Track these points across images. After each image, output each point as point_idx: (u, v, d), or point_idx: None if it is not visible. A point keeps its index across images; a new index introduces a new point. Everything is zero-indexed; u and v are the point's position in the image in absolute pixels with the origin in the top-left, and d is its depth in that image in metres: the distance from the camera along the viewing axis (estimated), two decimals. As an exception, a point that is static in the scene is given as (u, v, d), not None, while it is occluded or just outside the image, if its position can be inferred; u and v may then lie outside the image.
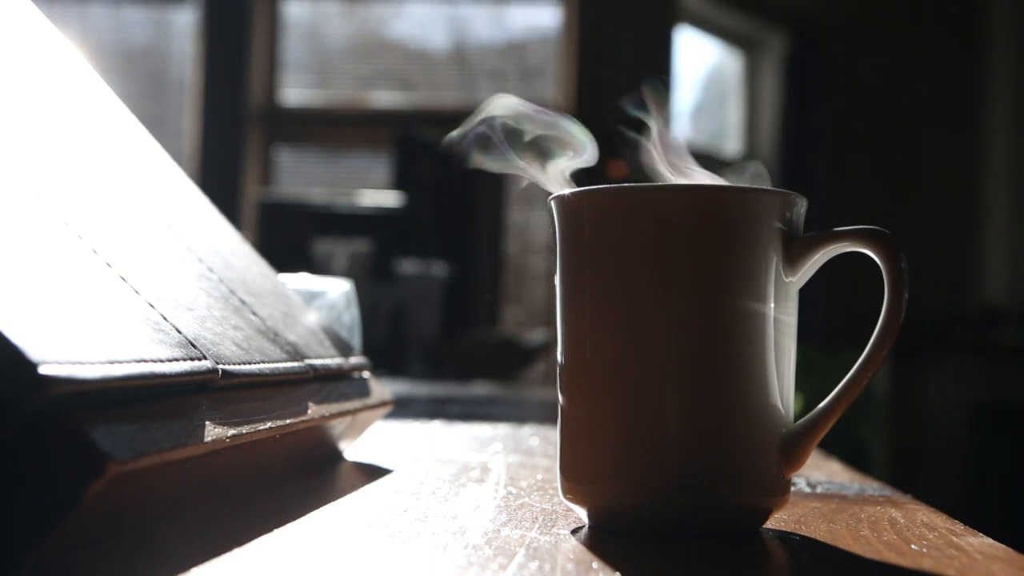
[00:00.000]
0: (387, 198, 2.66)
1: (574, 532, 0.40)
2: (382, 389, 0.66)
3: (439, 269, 2.13)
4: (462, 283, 2.48)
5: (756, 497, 0.40)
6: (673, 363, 0.40)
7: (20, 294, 0.32)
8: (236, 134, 3.67)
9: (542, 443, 0.73)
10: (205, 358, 0.40)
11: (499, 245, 2.97)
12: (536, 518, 0.43)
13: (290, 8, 3.80)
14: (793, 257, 0.41)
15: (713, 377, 0.40)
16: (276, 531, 0.38)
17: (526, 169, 0.45)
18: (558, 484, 0.43)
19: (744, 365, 0.40)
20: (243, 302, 0.52)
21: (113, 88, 0.60)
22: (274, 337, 0.52)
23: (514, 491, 0.50)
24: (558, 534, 0.39)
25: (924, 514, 0.46)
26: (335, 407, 0.54)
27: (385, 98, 3.75)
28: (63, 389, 0.29)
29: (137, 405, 0.34)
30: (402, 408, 0.95)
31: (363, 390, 0.61)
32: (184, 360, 0.38)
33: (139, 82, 3.75)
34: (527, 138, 0.45)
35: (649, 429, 0.40)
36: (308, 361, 0.53)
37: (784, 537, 0.41)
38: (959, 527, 0.43)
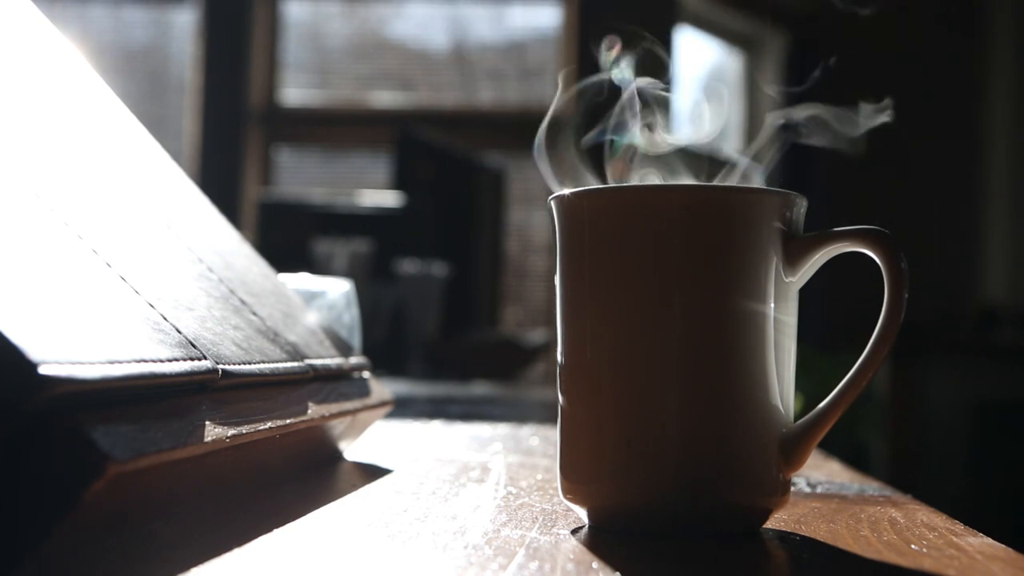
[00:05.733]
0: (387, 198, 2.66)
1: (574, 532, 0.40)
2: (382, 389, 0.66)
3: (439, 269, 2.13)
4: (462, 283, 2.48)
5: (756, 497, 0.40)
6: (673, 363, 0.40)
7: (20, 294, 0.32)
8: (236, 134, 3.67)
9: (542, 443, 0.73)
10: (205, 358, 0.40)
11: (499, 245, 2.97)
12: (536, 518, 0.42)
13: (290, 8, 3.80)
14: (793, 257, 0.41)
15: (713, 377, 0.40)
16: (276, 531, 0.38)
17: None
18: (558, 484, 0.43)
19: (744, 365, 0.40)
20: (243, 302, 0.52)
21: (113, 88, 0.60)
22: (274, 337, 0.52)
23: (514, 491, 0.50)
24: (558, 534, 0.39)
25: (924, 514, 0.46)
26: (335, 407, 0.54)
27: (385, 98, 3.75)
28: (63, 389, 0.29)
29: (137, 405, 0.34)
30: (402, 408, 0.95)
31: (363, 390, 0.61)
32: (184, 360, 0.38)
33: (139, 82, 3.76)
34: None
35: (649, 429, 0.40)
36: (308, 361, 0.53)
37: (784, 537, 0.41)
38: (959, 527, 0.43)
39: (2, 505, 0.29)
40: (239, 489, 0.45)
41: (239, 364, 0.43)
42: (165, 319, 0.40)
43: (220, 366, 0.41)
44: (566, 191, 0.43)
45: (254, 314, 0.52)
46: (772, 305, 0.40)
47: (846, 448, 2.91)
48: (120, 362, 0.33)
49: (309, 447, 0.55)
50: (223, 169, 3.62)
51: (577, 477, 0.42)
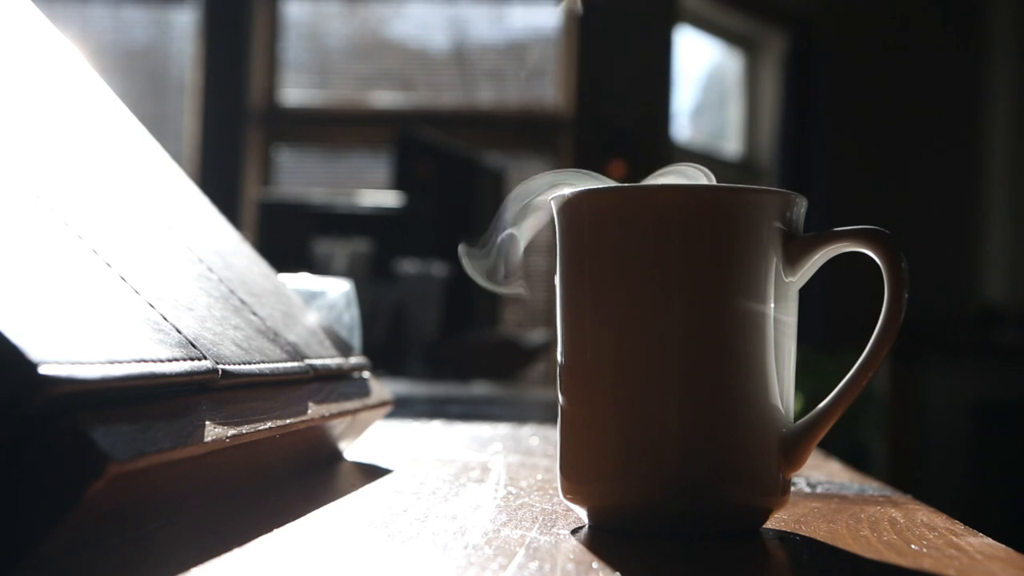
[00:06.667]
0: (387, 198, 2.66)
1: (574, 532, 0.40)
2: (382, 389, 0.66)
3: (439, 269, 2.13)
4: (462, 283, 2.48)
5: (756, 497, 0.40)
6: (673, 363, 0.40)
7: (20, 294, 0.32)
8: (236, 134, 3.67)
9: (542, 443, 0.73)
10: (205, 358, 0.40)
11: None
12: (536, 518, 0.42)
13: (290, 8, 3.80)
14: (793, 257, 0.41)
15: (713, 377, 0.40)
16: (276, 531, 0.38)
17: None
18: (558, 484, 0.43)
19: (744, 365, 0.40)
20: (243, 302, 0.52)
21: (113, 88, 0.60)
22: (274, 337, 0.52)
23: (514, 491, 0.50)
24: (558, 534, 0.39)
25: (924, 514, 0.46)
26: (335, 407, 0.54)
27: (385, 98, 3.75)
28: (63, 389, 0.29)
29: (137, 405, 0.34)
30: (402, 408, 0.95)
31: (363, 390, 0.61)
32: (184, 360, 0.38)
33: (139, 82, 3.76)
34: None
35: (649, 429, 0.40)
36: (308, 361, 0.53)
37: (784, 537, 0.41)
38: (959, 527, 0.43)
39: (2, 505, 0.29)
40: (239, 489, 0.45)
41: (239, 364, 0.43)
42: (165, 319, 0.40)
43: (220, 366, 0.41)
44: (566, 191, 0.43)
45: (254, 314, 0.52)
46: (772, 305, 0.40)
47: (846, 448, 2.91)
48: (120, 362, 0.33)
49: (309, 447, 0.55)
50: (223, 169, 3.62)
51: (577, 477, 0.42)
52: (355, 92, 3.77)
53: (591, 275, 0.41)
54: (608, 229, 0.41)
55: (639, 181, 0.44)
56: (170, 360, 0.37)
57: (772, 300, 0.40)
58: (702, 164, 0.45)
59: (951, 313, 3.53)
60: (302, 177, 3.80)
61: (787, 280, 0.41)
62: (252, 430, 0.41)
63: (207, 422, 0.38)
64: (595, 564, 0.35)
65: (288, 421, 0.46)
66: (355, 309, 0.73)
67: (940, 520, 0.45)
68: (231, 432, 0.39)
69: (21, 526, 0.29)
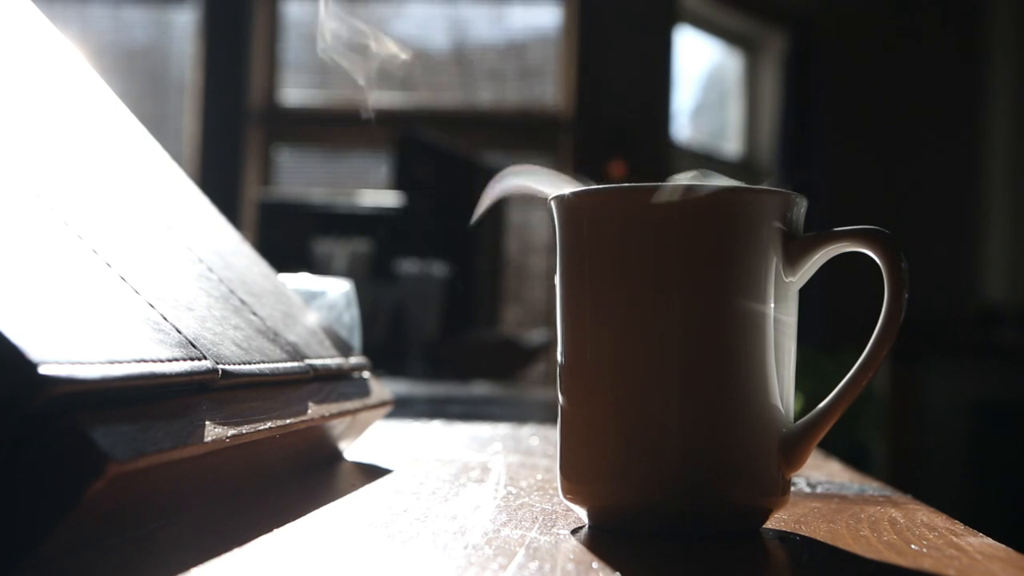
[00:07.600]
0: (387, 198, 2.66)
1: (574, 532, 0.40)
2: (382, 389, 0.66)
3: (439, 269, 2.13)
4: (462, 283, 2.48)
5: (756, 497, 0.40)
6: (673, 363, 0.40)
7: (20, 294, 0.32)
8: (236, 134, 3.67)
9: (542, 443, 0.73)
10: (205, 358, 0.40)
11: (499, 245, 2.97)
12: (536, 518, 0.43)
13: (290, 8, 3.80)
14: (793, 257, 0.41)
15: (713, 377, 0.40)
16: (276, 531, 0.38)
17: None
18: (558, 484, 0.43)
19: (744, 365, 0.40)
20: (243, 302, 0.52)
21: (113, 88, 0.60)
22: (274, 337, 0.52)
23: (514, 491, 0.50)
24: (558, 534, 0.39)
25: (924, 514, 0.46)
26: (335, 407, 0.54)
27: (385, 98, 3.75)
28: (63, 389, 0.29)
29: (137, 405, 0.34)
30: (402, 408, 0.95)
31: (363, 390, 0.61)
32: (184, 360, 0.38)
33: (139, 82, 3.76)
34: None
35: (649, 429, 0.40)
36: (308, 361, 0.53)
37: (784, 537, 0.41)
38: (959, 527, 0.43)
39: (2, 505, 0.29)
40: (239, 489, 0.45)
41: (239, 364, 0.43)
42: (165, 319, 0.40)
43: (220, 366, 0.41)
44: (566, 191, 0.43)
45: (254, 314, 0.52)
46: (772, 305, 0.40)
47: (846, 448, 2.91)
48: (120, 362, 0.33)
49: (309, 447, 0.55)
50: (223, 169, 3.62)
51: (577, 477, 0.42)
52: (355, 92, 3.76)
53: (591, 275, 0.41)
54: (608, 229, 0.41)
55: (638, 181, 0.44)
56: (170, 360, 0.37)
57: (772, 300, 0.40)
58: (702, 164, 0.45)
59: (951, 313, 3.53)
60: (302, 177, 3.80)
61: (787, 280, 0.41)
62: (252, 430, 0.41)
63: (207, 422, 0.38)
64: (595, 564, 0.35)
65: (288, 421, 0.46)
66: (355, 309, 0.73)
67: (940, 520, 0.45)
68: (231, 432, 0.39)
69: (21, 526, 0.29)
